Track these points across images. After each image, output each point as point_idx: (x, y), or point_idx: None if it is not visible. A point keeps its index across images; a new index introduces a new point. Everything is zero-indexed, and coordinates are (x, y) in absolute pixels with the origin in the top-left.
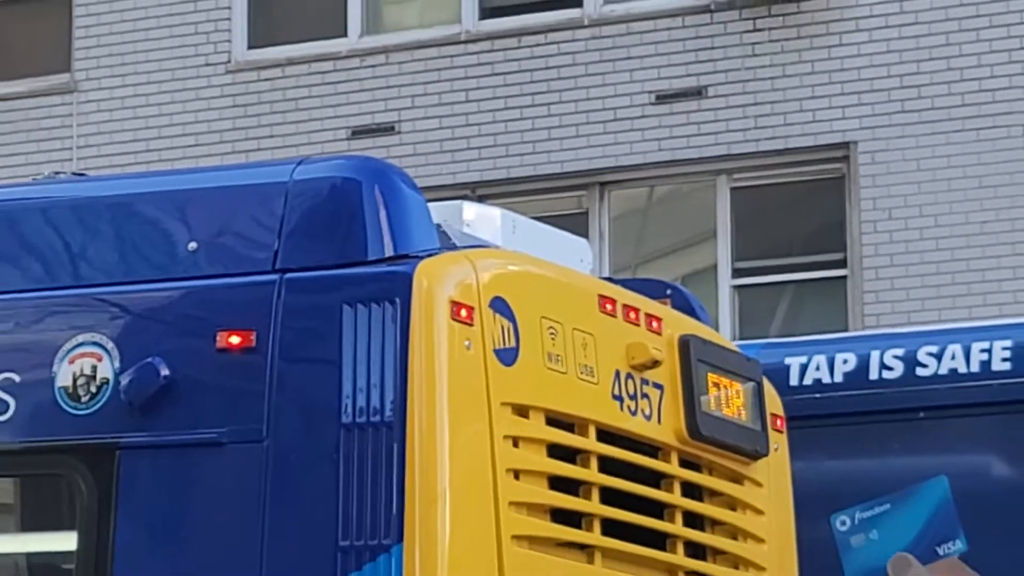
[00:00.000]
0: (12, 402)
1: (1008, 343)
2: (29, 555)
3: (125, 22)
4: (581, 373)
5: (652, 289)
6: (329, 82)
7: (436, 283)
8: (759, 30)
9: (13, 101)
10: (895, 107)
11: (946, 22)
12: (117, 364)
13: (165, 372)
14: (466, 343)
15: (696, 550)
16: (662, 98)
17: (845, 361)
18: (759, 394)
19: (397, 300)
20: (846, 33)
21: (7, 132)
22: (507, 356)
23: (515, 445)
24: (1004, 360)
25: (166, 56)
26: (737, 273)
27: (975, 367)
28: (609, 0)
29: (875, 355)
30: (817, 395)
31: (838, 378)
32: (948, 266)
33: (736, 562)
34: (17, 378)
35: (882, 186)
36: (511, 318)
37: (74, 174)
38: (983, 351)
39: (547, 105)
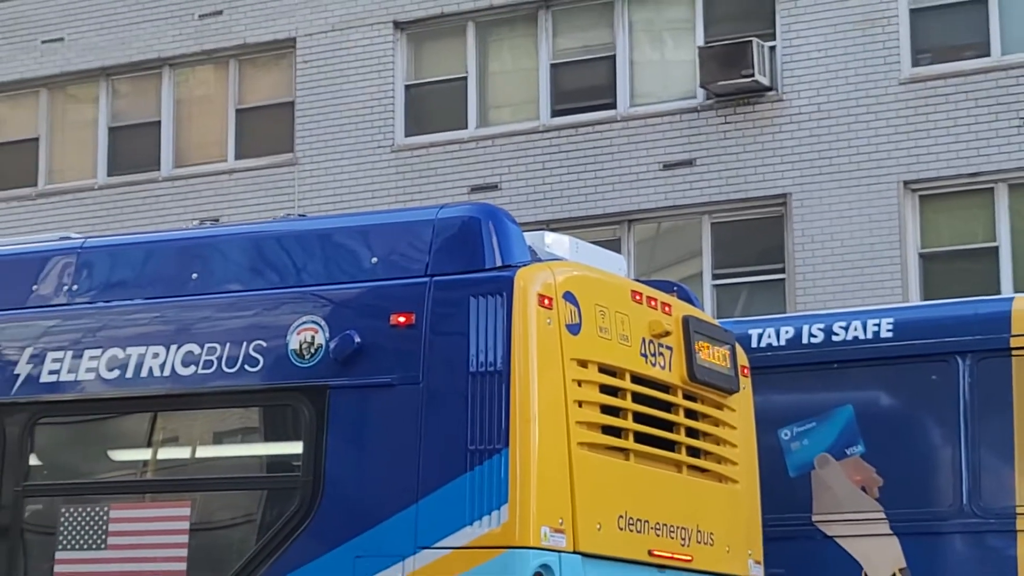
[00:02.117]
0: (261, 359)
1: (891, 320)
2: (271, 455)
3: (334, 124)
4: (620, 339)
5: (664, 287)
6: (457, 157)
7: (528, 283)
8: (729, 122)
9: (257, 171)
10: (816, 171)
11: (847, 117)
12: (327, 334)
13: (357, 340)
14: (548, 321)
15: (693, 452)
16: (667, 166)
17: (786, 332)
18: (733, 352)
19: (504, 294)
20: (784, 124)
21: (253, 191)
22: (574, 329)
23: (579, 385)
24: (888, 331)
25: (354, 142)
26: (715, 277)
27: (869, 335)
28: (633, 104)
29: (805, 328)
30: (769, 353)
31: (782, 342)
32: (850, 272)
33: (719, 459)
34: (264, 343)
35: (808, 222)
36: (576, 304)
37: (298, 215)
38: (874, 325)
39: (594, 171)
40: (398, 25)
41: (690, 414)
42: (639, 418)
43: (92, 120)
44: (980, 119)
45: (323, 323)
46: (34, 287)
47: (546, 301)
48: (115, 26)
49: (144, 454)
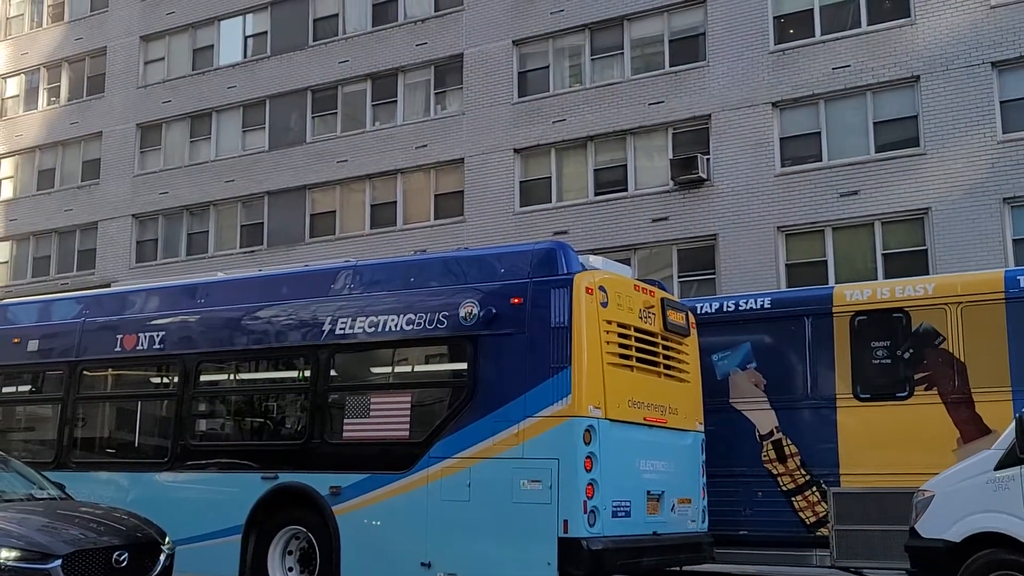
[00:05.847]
0: (446, 321)
1: (770, 298)
2: (451, 369)
3: (486, 200)
4: (628, 310)
5: (651, 283)
6: (545, 217)
7: (581, 281)
8: (686, 197)
9: (445, 226)
10: (731, 222)
11: (747, 194)
12: (479, 308)
13: (494, 311)
14: (591, 301)
15: (667, 366)
16: (654, 220)
17: (715, 305)
18: (687, 316)
19: (568, 287)
20: (714, 198)
21: (444, 235)
22: (604, 304)
23: (607, 333)
24: (769, 304)
25: (494, 210)
26: (679, 277)
27: (759, 305)
28: (637, 188)
29: (725, 303)
30: (706, 316)
31: (713, 310)
32: (749, 274)
33: (680, 370)
34: (448, 313)
35: (727, 248)
36: (605, 292)
37: (465, 247)
38: (761, 300)
39: (615, 222)
40: (516, 150)
41: (665, 347)
42: (639, 350)
43: (362, 201)
44: (816, 195)
45: (477, 302)
46: (332, 285)
47: (590, 290)
48: (372, 151)
49: (387, 369)
